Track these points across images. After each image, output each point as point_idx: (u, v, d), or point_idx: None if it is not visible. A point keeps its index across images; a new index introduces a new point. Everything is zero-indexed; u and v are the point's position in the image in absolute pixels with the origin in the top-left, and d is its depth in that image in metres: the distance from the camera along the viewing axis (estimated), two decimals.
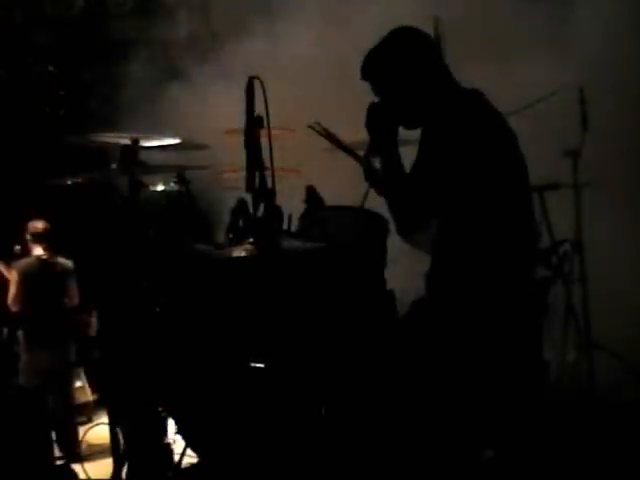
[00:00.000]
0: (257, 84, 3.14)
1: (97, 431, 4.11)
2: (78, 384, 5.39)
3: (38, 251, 5.15)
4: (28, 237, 5.17)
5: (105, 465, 3.81)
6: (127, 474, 3.56)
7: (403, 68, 3.01)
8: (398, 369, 2.94)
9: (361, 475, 3.02)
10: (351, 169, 3.44)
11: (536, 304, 3.05)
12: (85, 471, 3.99)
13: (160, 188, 4.81)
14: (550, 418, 3.37)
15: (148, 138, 4.25)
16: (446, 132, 2.91)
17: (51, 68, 6.65)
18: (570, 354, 4.73)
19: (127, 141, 4.09)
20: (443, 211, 2.99)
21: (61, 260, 5.22)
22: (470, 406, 2.87)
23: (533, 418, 3.04)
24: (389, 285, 3.56)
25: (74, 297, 5.28)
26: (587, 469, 3.67)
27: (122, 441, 3.60)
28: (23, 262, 5.12)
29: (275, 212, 3.33)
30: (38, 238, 5.17)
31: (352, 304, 3.43)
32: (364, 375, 3.07)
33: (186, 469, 3.67)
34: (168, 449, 3.51)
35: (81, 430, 4.50)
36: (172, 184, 4.39)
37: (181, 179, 4.27)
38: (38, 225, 5.19)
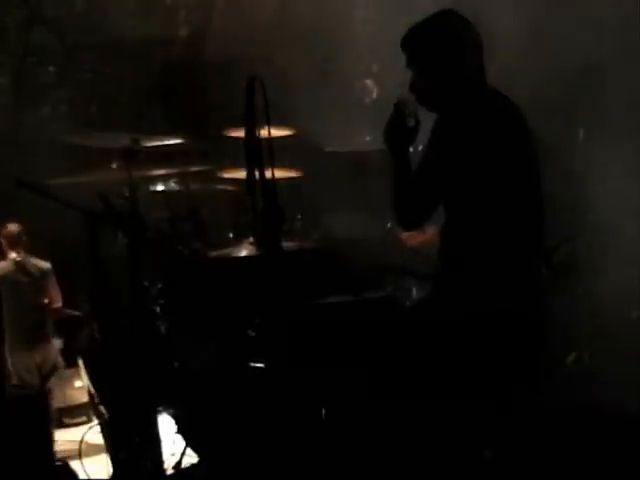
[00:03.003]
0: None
1: (97, 431, 4.11)
2: (78, 384, 5.40)
3: (12, 254, 5.20)
4: (2, 241, 5.22)
5: (105, 464, 3.80)
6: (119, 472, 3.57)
7: (443, 48, 3.03)
8: (398, 367, 2.94)
9: (361, 475, 3.03)
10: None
11: (538, 302, 3.05)
12: (85, 471, 3.99)
13: (160, 188, 4.81)
14: (549, 419, 3.37)
15: (148, 138, 4.25)
16: (461, 127, 2.93)
17: (51, 68, 6.64)
18: (570, 355, 4.73)
19: (127, 141, 4.09)
20: (450, 206, 3.01)
21: (37, 261, 5.29)
22: (469, 404, 2.87)
23: (532, 417, 3.05)
24: None
25: (55, 297, 5.35)
26: (587, 471, 3.67)
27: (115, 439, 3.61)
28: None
29: (276, 212, 3.32)
30: (12, 241, 5.22)
31: (350, 304, 3.44)
32: (364, 376, 3.07)
33: (186, 469, 3.66)
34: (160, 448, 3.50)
35: (81, 430, 4.49)
36: (172, 184, 4.40)
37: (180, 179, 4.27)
38: (12, 228, 5.23)
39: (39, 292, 5.28)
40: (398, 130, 3.08)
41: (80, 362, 4.62)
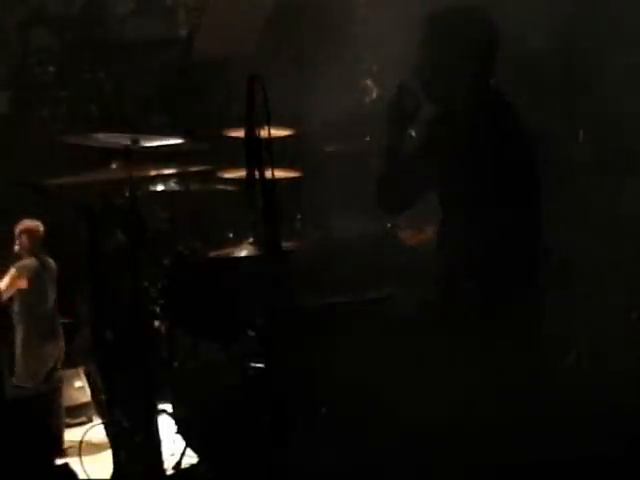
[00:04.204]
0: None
1: (97, 431, 4.11)
2: (78, 384, 5.40)
3: (33, 251, 5.23)
4: (23, 238, 5.24)
5: (105, 464, 3.81)
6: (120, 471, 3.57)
7: (456, 42, 3.03)
8: (397, 366, 2.94)
9: (360, 475, 3.03)
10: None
11: (537, 302, 3.06)
12: (85, 470, 3.99)
13: (160, 188, 4.81)
14: (549, 419, 3.37)
15: (148, 138, 4.25)
16: (460, 123, 2.93)
17: (51, 68, 6.65)
18: (570, 355, 4.73)
19: (127, 141, 4.08)
20: (447, 204, 3.02)
21: (49, 259, 5.33)
22: (468, 403, 2.88)
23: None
24: None
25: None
26: (587, 470, 3.67)
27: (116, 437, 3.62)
28: (25, 263, 5.20)
29: (276, 212, 3.33)
30: (34, 238, 5.24)
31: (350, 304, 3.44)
32: (363, 376, 3.07)
33: (186, 469, 3.67)
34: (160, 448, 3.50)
35: (81, 430, 4.50)
36: (172, 184, 4.39)
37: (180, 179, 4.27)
38: (31, 226, 5.26)
39: (54, 287, 5.33)
40: (397, 111, 3.11)
41: (80, 362, 4.64)
